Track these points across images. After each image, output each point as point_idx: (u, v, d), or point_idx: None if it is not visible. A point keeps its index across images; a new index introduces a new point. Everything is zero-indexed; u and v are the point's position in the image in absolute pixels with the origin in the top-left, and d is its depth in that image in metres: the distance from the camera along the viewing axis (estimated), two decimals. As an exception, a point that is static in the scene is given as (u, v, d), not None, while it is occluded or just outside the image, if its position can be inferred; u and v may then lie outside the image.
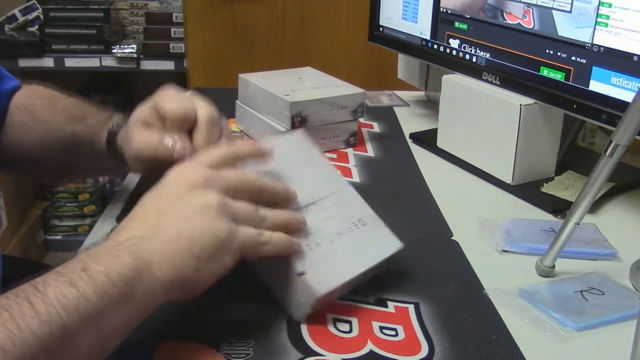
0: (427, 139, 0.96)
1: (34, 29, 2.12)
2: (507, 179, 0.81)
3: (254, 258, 0.51)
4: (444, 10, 0.92)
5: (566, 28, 0.74)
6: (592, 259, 0.65)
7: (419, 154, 0.93)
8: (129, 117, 0.63)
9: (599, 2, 0.69)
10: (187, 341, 0.50)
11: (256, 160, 0.55)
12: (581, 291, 0.58)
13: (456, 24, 0.90)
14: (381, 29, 1.06)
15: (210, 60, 1.96)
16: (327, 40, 1.96)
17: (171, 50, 2.07)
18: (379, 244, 0.58)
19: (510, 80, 0.82)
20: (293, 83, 0.93)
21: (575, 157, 0.89)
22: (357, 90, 0.91)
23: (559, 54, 0.75)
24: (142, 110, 0.61)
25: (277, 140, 0.60)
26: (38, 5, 2.12)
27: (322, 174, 0.60)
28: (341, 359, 0.49)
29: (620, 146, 0.56)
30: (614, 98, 0.70)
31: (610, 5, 0.68)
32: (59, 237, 2.28)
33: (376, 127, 1.03)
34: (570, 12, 0.73)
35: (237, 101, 0.97)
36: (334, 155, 0.90)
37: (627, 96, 0.68)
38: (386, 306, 0.56)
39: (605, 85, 0.70)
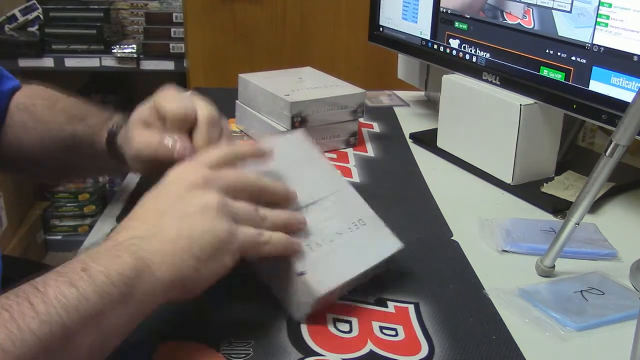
0: (427, 139, 0.96)
1: (34, 29, 2.12)
2: (507, 179, 0.81)
3: (253, 258, 0.51)
4: (444, 10, 0.92)
5: (566, 28, 0.74)
6: (592, 259, 0.65)
7: (419, 154, 0.93)
8: (129, 117, 0.63)
9: (599, 2, 0.69)
10: (187, 341, 0.50)
11: (256, 160, 0.54)
12: (581, 291, 0.58)
13: (456, 24, 0.90)
14: (381, 29, 1.06)
15: (210, 60, 1.96)
16: (327, 40, 1.96)
17: (171, 50, 2.07)
18: (379, 244, 0.58)
19: (510, 80, 0.82)
20: (293, 83, 0.93)
21: (575, 157, 0.89)
22: (357, 90, 0.91)
23: (559, 54, 0.75)
24: (142, 110, 0.61)
25: (277, 140, 0.60)
26: (38, 5, 2.12)
27: (322, 174, 0.60)
28: (341, 359, 0.49)
29: (620, 146, 0.56)
30: (614, 98, 0.70)
31: (610, 5, 0.68)
32: (59, 237, 2.28)
33: (376, 127, 1.03)
34: (570, 12, 0.73)
35: (237, 101, 0.97)
36: (334, 155, 0.90)
37: (627, 96, 0.68)
38: (386, 306, 0.56)
39: (605, 85, 0.70)
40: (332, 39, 1.96)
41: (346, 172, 0.84)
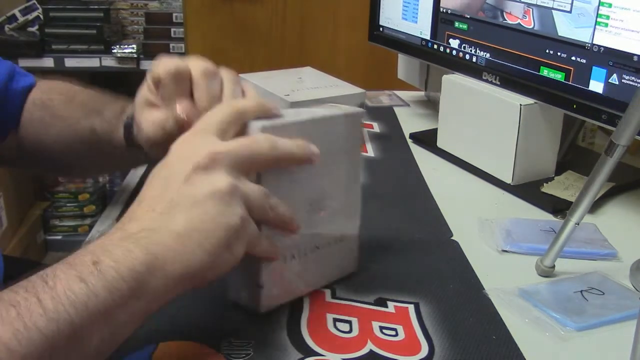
0: (427, 139, 0.96)
1: (34, 29, 2.13)
2: (507, 179, 0.81)
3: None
4: (444, 10, 0.92)
5: (566, 28, 0.74)
6: (592, 259, 0.65)
7: (419, 154, 0.93)
8: None
9: (599, 2, 0.69)
10: (187, 341, 0.50)
11: (263, 116, 0.50)
12: (581, 291, 0.58)
13: (456, 24, 0.90)
14: (381, 29, 1.06)
15: (210, 60, 1.96)
16: (327, 40, 1.96)
17: (171, 50, 2.07)
18: (339, 264, 0.58)
19: (510, 80, 0.82)
20: (293, 83, 0.93)
21: (575, 157, 0.89)
22: (357, 90, 0.91)
23: (559, 54, 0.75)
24: (142, 90, 0.59)
25: (331, 116, 0.54)
26: (38, 5, 2.12)
27: (345, 173, 0.56)
28: (341, 359, 0.49)
29: (620, 146, 0.56)
30: (614, 98, 0.70)
31: (610, 5, 0.68)
32: (59, 237, 2.28)
33: (376, 127, 1.03)
34: (570, 12, 0.73)
35: (237, 101, 0.96)
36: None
37: (627, 96, 0.68)
38: (386, 306, 0.56)
39: (606, 84, 0.70)
40: (332, 39, 1.96)
41: (346, 172, 0.84)
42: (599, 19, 0.70)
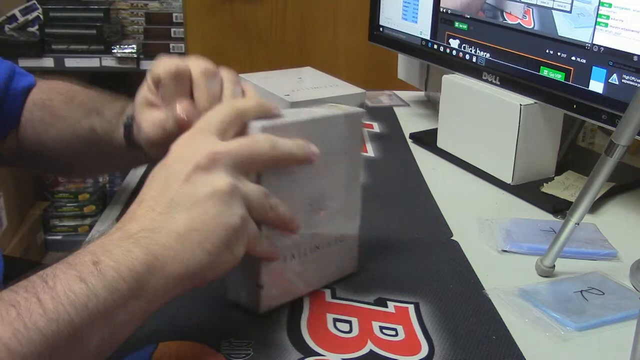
0: (427, 139, 0.96)
1: (34, 29, 2.12)
2: (507, 179, 0.81)
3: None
4: (444, 10, 0.92)
5: (566, 28, 0.74)
6: (592, 259, 0.65)
7: (419, 154, 0.93)
8: None
9: (599, 2, 0.69)
10: (187, 341, 0.50)
11: (263, 116, 0.50)
12: (581, 291, 0.58)
13: (456, 24, 0.90)
14: (381, 29, 1.06)
15: (210, 60, 1.96)
16: (327, 40, 1.96)
17: (171, 50, 2.07)
18: (338, 264, 0.58)
19: (510, 80, 0.82)
20: (293, 83, 0.93)
21: (575, 157, 0.89)
22: (357, 90, 0.91)
23: (559, 54, 0.75)
24: (142, 90, 0.58)
25: (330, 116, 0.54)
26: (38, 5, 2.12)
27: (345, 173, 0.56)
28: (341, 359, 0.49)
29: (620, 146, 0.56)
30: (614, 98, 0.70)
31: (610, 5, 0.68)
32: (59, 237, 2.28)
33: (376, 127, 1.03)
34: (570, 12, 0.73)
35: (237, 101, 0.96)
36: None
37: (627, 96, 0.68)
38: (386, 306, 0.56)
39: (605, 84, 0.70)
40: (332, 39, 1.96)
41: (346, 172, 0.84)
42: (599, 19, 0.70)
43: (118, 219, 0.71)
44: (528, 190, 0.80)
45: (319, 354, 0.49)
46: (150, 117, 0.57)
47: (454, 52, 0.91)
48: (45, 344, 0.36)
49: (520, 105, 0.78)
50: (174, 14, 2.11)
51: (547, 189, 0.80)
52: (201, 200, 0.44)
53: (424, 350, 0.50)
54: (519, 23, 0.80)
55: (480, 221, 0.72)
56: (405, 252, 0.65)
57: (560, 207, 0.75)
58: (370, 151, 0.93)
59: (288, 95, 0.86)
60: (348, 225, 0.58)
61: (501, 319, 0.55)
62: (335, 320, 0.53)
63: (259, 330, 0.52)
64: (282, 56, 1.97)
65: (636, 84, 0.67)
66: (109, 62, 2.06)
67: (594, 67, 0.72)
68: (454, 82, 0.89)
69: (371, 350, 0.50)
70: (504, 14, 0.82)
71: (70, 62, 2.05)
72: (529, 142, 0.80)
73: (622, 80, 0.69)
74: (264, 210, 0.48)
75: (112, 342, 0.41)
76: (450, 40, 0.92)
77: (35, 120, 0.69)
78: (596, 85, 0.72)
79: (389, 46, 1.06)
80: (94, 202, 2.27)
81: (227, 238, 0.44)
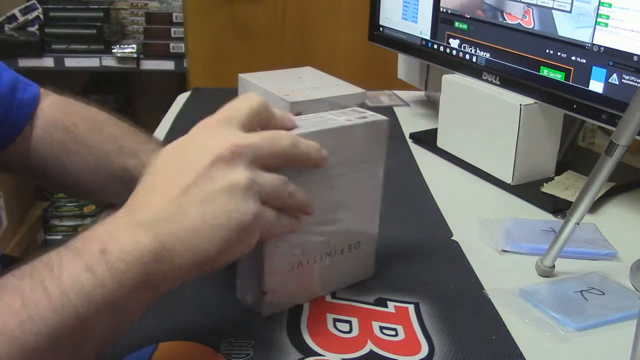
0: (427, 139, 0.96)
1: (34, 28, 2.13)
2: (507, 179, 0.81)
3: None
4: (444, 10, 0.92)
5: (566, 28, 0.74)
6: (592, 259, 0.65)
7: (419, 154, 0.93)
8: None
9: (599, 2, 0.69)
10: (187, 341, 0.50)
11: (283, 127, 0.50)
12: (581, 291, 0.58)
13: (456, 24, 0.90)
14: (381, 28, 1.06)
15: (210, 60, 1.96)
16: (327, 40, 1.96)
17: (171, 50, 2.07)
18: (353, 272, 0.58)
19: (510, 80, 0.82)
20: (293, 83, 0.93)
21: (575, 157, 0.89)
22: (357, 90, 0.90)
23: (559, 54, 0.75)
24: None
25: (356, 125, 0.53)
26: (38, 5, 2.12)
27: (365, 183, 0.55)
28: (341, 359, 0.49)
29: (620, 146, 0.56)
30: (614, 98, 0.70)
31: (610, 5, 0.68)
32: (59, 237, 2.28)
33: (376, 127, 1.03)
34: (570, 12, 0.73)
35: (237, 101, 0.96)
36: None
37: (627, 96, 0.68)
38: (386, 306, 0.56)
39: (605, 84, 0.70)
40: (332, 39, 1.96)
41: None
42: (599, 19, 0.70)
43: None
44: (528, 190, 0.80)
45: (319, 354, 0.49)
46: None
47: (454, 52, 0.91)
48: (50, 334, 0.36)
49: (520, 105, 0.78)
50: (174, 14, 2.11)
51: (547, 189, 0.80)
52: (217, 193, 0.43)
53: (424, 350, 0.50)
54: (519, 23, 0.80)
55: (480, 221, 0.72)
56: (405, 252, 0.65)
57: (560, 207, 0.75)
58: (370, 151, 0.93)
59: (288, 95, 0.86)
60: (364, 233, 0.57)
61: (501, 319, 0.55)
62: (335, 320, 0.53)
63: (259, 330, 0.52)
64: (282, 56, 1.96)
65: (636, 84, 0.67)
66: (109, 62, 2.06)
67: (594, 67, 0.72)
68: (454, 82, 0.89)
69: (371, 350, 0.50)
70: (504, 14, 0.82)
71: (70, 62, 2.05)
72: (529, 142, 0.80)
73: (622, 80, 0.69)
74: (283, 198, 0.47)
75: (117, 330, 0.41)
76: (450, 40, 0.92)
77: (56, 142, 0.67)
78: (596, 85, 0.72)
79: (389, 46, 1.06)
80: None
81: (237, 233, 0.44)
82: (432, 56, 0.96)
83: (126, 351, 0.48)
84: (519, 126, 0.78)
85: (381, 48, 1.08)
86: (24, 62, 2.01)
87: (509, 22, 0.81)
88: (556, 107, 0.78)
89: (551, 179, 0.82)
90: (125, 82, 2.38)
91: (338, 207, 0.54)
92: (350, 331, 0.52)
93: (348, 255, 0.56)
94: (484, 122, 0.84)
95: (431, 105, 1.16)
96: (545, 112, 0.79)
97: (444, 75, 0.91)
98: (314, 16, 1.94)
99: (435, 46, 0.95)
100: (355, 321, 0.53)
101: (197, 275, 0.44)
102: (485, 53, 0.86)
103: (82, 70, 2.09)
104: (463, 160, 0.88)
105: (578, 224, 0.59)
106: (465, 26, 0.88)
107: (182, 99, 1.17)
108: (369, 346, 0.50)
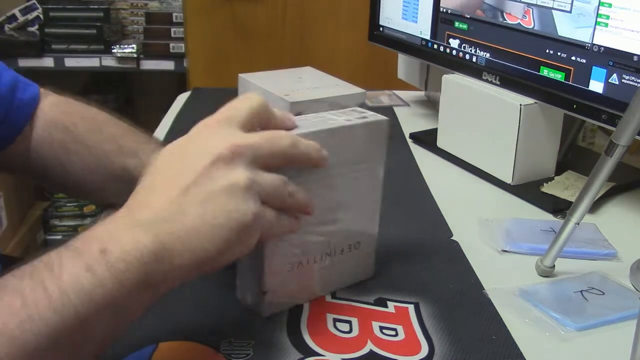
0: (427, 139, 0.96)
1: (34, 28, 2.13)
2: (507, 179, 0.81)
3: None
4: (444, 10, 0.92)
5: (566, 28, 0.74)
6: (592, 259, 0.65)
7: (419, 154, 0.93)
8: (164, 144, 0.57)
9: (599, 2, 0.69)
10: (187, 341, 0.50)
11: (283, 127, 0.50)
12: (581, 291, 0.58)
13: (456, 24, 0.90)
14: (381, 28, 1.06)
15: (210, 60, 1.96)
16: (327, 40, 1.96)
17: (171, 50, 2.07)
18: (353, 272, 0.58)
19: (510, 80, 0.82)
20: (293, 83, 0.93)
21: (575, 157, 0.89)
22: (357, 90, 0.90)
23: (559, 54, 0.75)
24: None
25: (355, 125, 0.53)
26: (38, 5, 2.12)
27: (365, 183, 0.55)
28: (341, 359, 0.49)
29: (620, 146, 0.56)
30: (614, 98, 0.70)
31: (610, 5, 0.68)
32: (59, 237, 2.28)
33: (376, 127, 1.03)
34: (570, 12, 0.73)
35: (237, 101, 0.96)
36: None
37: (627, 96, 0.68)
38: (386, 306, 0.56)
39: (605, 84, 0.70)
40: (332, 39, 1.96)
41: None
42: (599, 19, 0.70)
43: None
44: (528, 190, 0.80)
45: (319, 354, 0.49)
46: None
47: (454, 52, 0.91)
48: (50, 334, 0.36)
49: (520, 105, 0.78)
50: (174, 14, 2.11)
51: (547, 189, 0.80)
52: (217, 193, 0.43)
53: (424, 350, 0.50)
54: (519, 23, 0.80)
55: (480, 221, 0.72)
56: (405, 252, 0.65)
57: (560, 207, 0.75)
58: (370, 151, 0.93)
59: (288, 95, 0.86)
60: (364, 233, 0.57)
61: (501, 319, 0.55)
62: (335, 320, 0.53)
63: (259, 330, 0.52)
64: (282, 56, 1.96)
65: (636, 84, 0.67)
66: (109, 62, 2.06)
67: (594, 67, 0.72)
68: (454, 82, 0.89)
69: (371, 350, 0.50)
70: (504, 14, 0.82)
71: (70, 62, 2.05)
72: (529, 142, 0.80)
73: (622, 80, 0.69)
74: (283, 198, 0.47)
75: (116, 330, 0.41)
76: (450, 40, 0.92)
77: (56, 142, 0.68)
78: (596, 85, 0.72)
79: (389, 46, 1.06)
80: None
81: (238, 233, 0.44)
82: (432, 56, 0.96)
83: (126, 351, 0.48)
84: (519, 126, 0.78)
85: (381, 48, 1.08)
86: (24, 62, 2.01)
87: (509, 22, 0.81)
88: (556, 107, 0.78)
89: (551, 179, 0.82)
90: (125, 82, 2.38)
91: (338, 207, 0.54)
92: (350, 331, 0.52)
93: (348, 255, 0.56)
94: (484, 122, 0.84)
95: (431, 105, 1.16)
96: (545, 112, 0.79)
97: (444, 75, 0.91)
98: (314, 16, 1.94)
99: (435, 46, 0.95)
100: (355, 321, 0.53)
101: (197, 275, 0.44)
102: (485, 53, 0.86)
103: (82, 70, 2.09)
104: (463, 160, 0.88)
105: (578, 224, 0.59)
106: (465, 26, 0.88)
107: (182, 99, 1.17)
108: (369, 346, 0.50)
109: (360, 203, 0.56)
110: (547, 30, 0.76)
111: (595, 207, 0.75)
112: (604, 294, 0.58)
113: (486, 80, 0.86)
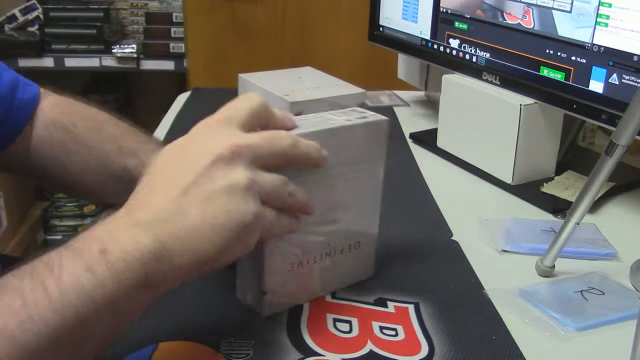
0: (427, 139, 0.96)
1: (34, 28, 2.12)
2: (507, 179, 0.81)
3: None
4: (444, 10, 0.92)
5: (566, 28, 0.74)
6: (592, 259, 0.65)
7: (419, 154, 0.93)
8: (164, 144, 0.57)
9: (599, 2, 0.69)
10: (187, 341, 0.50)
11: (283, 127, 0.50)
12: (581, 291, 0.58)
13: (456, 24, 0.90)
14: (381, 28, 1.06)
15: (210, 60, 1.96)
16: (327, 40, 1.96)
17: (171, 50, 2.07)
18: (353, 272, 0.58)
19: (510, 80, 0.82)
20: (293, 83, 0.93)
21: (575, 157, 0.89)
22: (357, 90, 0.90)
23: (559, 54, 0.75)
24: None
25: (355, 125, 0.53)
26: (38, 5, 2.12)
27: (365, 183, 0.55)
28: (341, 359, 0.49)
29: (620, 146, 0.56)
30: (614, 98, 0.70)
31: (610, 5, 0.68)
32: (59, 237, 2.28)
33: (376, 127, 1.03)
34: (570, 12, 0.73)
35: (237, 101, 0.96)
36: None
37: (627, 96, 0.68)
38: (386, 306, 0.56)
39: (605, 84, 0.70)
40: (332, 39, 1.96)
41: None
42: (599, 19, 0.70)
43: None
44: (528, 190, 0.80)
45: (319, 354, 0.49)
46: None
47: (454, 52, 0.91)
48: (50, 334, 0.36)
49: (520, 105, 0.78)
50: (174, 14, 2.11)
51: (547, 189, 0.80)
52: (217, 193, 0.43)
53: (424, 350, 0.50)
54: (519, 23, 0.80)
55: (480, 221, 0.72)
56: (405, 252, 0.65)
57: (560, 207, 0.75)
58: (370, 151, 0.93)
59: (288, 95, 0.86)
60: (364, 233, 0.57)
61: (501, 319, 0.55)
62: (335, 320, 0.53)
63: (259, 330, 0.52)
64: (282, 56, 1.96)
65: (636, 84, 0.67)
66: (109, 62, 2.06)
67: (594, 67, 0.72)
68: (454, 82, 0.89)
69: (371, 350, 0.50)
70: (504, 14, 0.82)
71: (70, 62, 2.05)
72: (529, 142, 0.80)
73: (622, 80, 0.69)
74: (283, 198, 0.47)
75: (116, 330, 0.41)
76: (450, 40, 0.92)
77: (56, 142, 0.67)
78: (596, 85, 0.72)
79: (389, 46, 1.06)
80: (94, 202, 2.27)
81: (238, 233, 0.44)
82: (432, 56, 0.96)
83: (126, 351, 0.48)
84: (519, 126, 0.78)
85: (381, 48, 1.08)
86: (24, 62, 2.01)
87: (509, 22, 0.81)
88: (556, 107, 0.78)
89: (551, 179, 0.82)
90: (125, 82, 2.38)
91: (338, 207, 0.54)
92: (350, 331, 0.52)
93: (348, 255, 0.56)
94: (484, 122, 0.84)
95: (431, 105, 1.16)
96: (545, 112, 0.79)
97: (444, 75, 0.91)
98: (314, 16, 1.94)
99: (435, 46, 0.95)
100: (355, 321, 0.53)
101: (197, 275, 0.44)
102: (485, 53, 0.86)
103: (82, 70, 2.09)
104: (463, 160, 0.88)
105: (578, 224, 0.59)
106: (465, 26, 0.88)
107: (182, 99, 1.17)
108: (369, 346, 0.50)
109: (360, 203, 0.56)
110: (547, 30, 0.76)
111: (595, 207, 0.75)
112: (604, 294, 0.58)
113: (486, 80, 0.86)
